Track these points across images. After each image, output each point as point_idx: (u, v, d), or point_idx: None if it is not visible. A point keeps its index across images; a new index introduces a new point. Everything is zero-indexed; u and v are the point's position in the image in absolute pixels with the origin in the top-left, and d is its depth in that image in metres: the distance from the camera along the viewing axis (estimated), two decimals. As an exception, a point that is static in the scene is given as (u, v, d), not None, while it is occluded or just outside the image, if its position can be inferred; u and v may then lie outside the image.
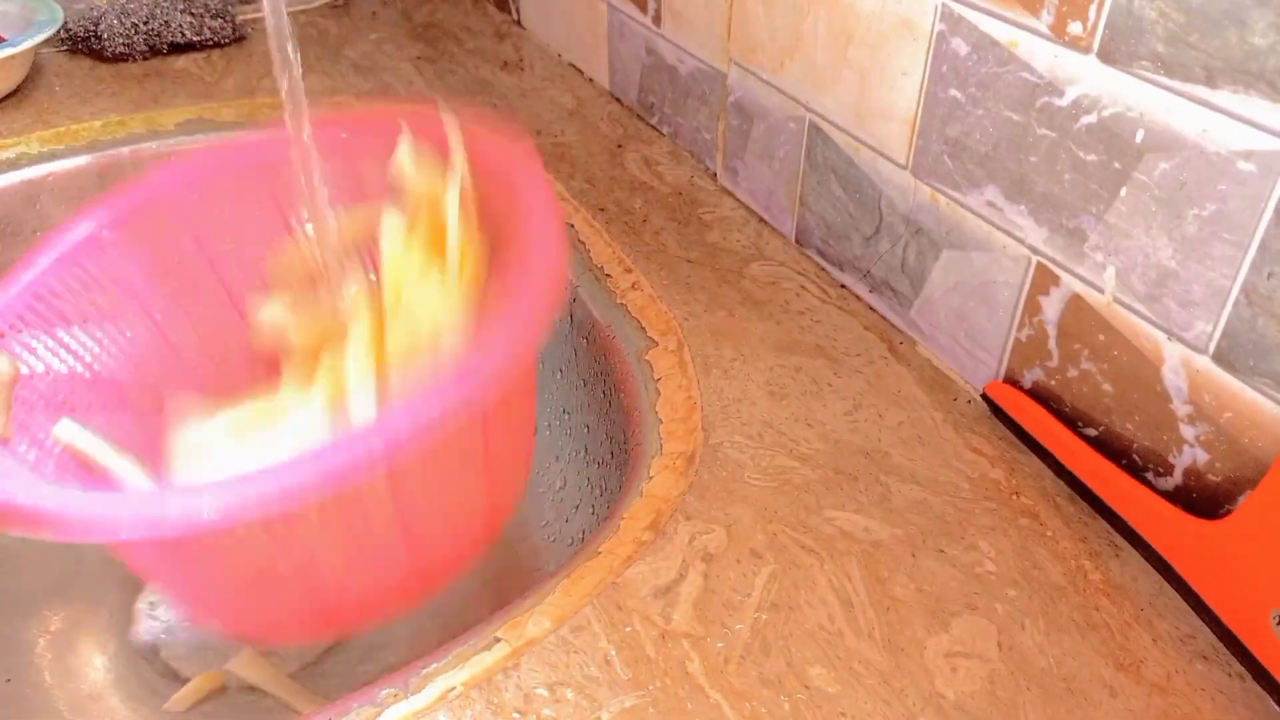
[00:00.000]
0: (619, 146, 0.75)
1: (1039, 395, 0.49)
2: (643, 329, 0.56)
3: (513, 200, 0.42)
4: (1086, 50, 0.41)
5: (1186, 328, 0.41)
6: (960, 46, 0.47)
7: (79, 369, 0.45)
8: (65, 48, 0.88)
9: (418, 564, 0.42)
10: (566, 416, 0.61)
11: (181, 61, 0.87)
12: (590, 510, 0.56)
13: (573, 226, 0.64)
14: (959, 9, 0.46)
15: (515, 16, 0.95)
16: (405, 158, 0.45)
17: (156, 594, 0.58)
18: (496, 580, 0.58)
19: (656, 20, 0.72)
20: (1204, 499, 0.42)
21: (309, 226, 0.46)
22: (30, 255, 0.43)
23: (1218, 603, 0.40)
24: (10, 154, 0.70)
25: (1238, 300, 0.39)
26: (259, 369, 0.48)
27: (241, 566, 0.39)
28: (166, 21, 0.87)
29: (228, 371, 0.50)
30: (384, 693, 0.37)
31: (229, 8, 0.92)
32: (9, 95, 0.79)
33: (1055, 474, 0.47)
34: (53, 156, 0.71)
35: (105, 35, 0.86)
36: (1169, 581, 0.42)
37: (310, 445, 0.33)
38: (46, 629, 0.57)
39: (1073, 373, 0.47)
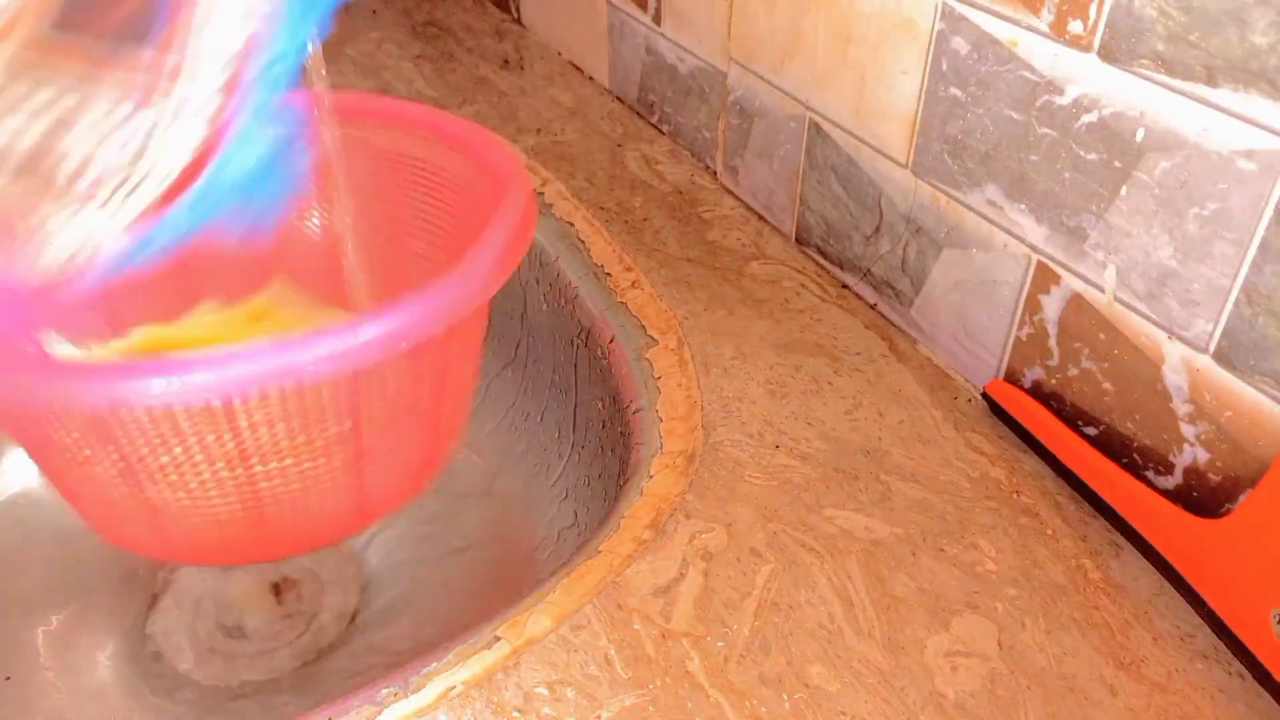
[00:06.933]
0: (619, 145, 0.74)
1: (1039, 394, 0.49)
2: (643, 327, 0.55)
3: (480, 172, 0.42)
4: (1087, 49, 0.41)
5: (1187, 327, 0.41)
6: (960, 45, 0.47)
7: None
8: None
9: (360, 491, 0.41)
10: (566, 414, 0.61)
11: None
12: (590, 509, 0.56)
13: (572, 225, 0.64)
14: (959, 8, 0.46)
15: (515, 15, 0.95)
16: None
17: (158, 591, 0.58)
18: (496, 580, 0.58)
19: (657, 19, 0.71)
20: (1204, 498, 0.42)
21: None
22: None
23: (1218, 602, 0.40)
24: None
25: (1238, 299, 0.39)
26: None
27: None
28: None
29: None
30: (384, 692, 0.37)
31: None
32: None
33: (1055, 473, 0.47)
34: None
35: (105, 34, 0.86)
36: (1169, 580, 0.42)
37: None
38: (47, 627, 0.57)
39: (1073, 371, 0.47)
